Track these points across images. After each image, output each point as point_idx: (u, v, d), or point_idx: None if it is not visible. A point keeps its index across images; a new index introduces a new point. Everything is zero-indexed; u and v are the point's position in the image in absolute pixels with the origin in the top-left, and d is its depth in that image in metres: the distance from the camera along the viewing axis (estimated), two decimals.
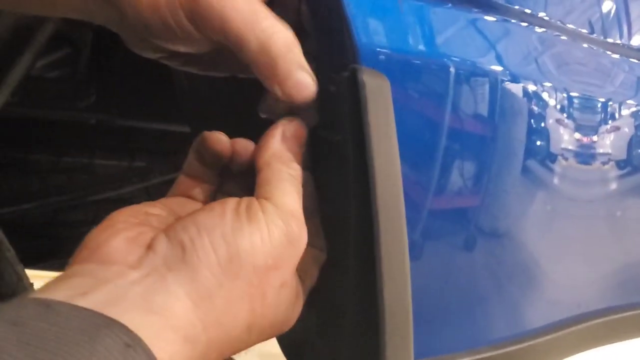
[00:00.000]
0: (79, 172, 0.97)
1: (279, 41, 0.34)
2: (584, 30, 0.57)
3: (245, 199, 0.33)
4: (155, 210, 0.36)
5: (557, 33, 0.54)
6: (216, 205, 0.33)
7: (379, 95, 0.35)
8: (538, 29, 0.51)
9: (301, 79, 0.35)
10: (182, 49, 0.37)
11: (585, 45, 0.57)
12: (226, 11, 0.33)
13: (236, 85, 0.46)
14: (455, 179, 0.44)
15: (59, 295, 0.27)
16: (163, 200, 0.39)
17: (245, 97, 0.45)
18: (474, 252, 0.48)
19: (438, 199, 0.43)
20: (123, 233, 0.32)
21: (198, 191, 0.41)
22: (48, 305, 0.25)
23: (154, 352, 0.27)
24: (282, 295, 0.34)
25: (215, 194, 0.41)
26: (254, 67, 0.35)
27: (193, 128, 0.81)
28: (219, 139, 0.39)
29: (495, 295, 0.51)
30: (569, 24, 0.55)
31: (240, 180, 0.41)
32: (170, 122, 1.02)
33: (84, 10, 0.36)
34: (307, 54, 0.37)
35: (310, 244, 0.36)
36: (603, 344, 0.64)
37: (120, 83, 0.94)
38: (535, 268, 0.54)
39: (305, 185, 0.37)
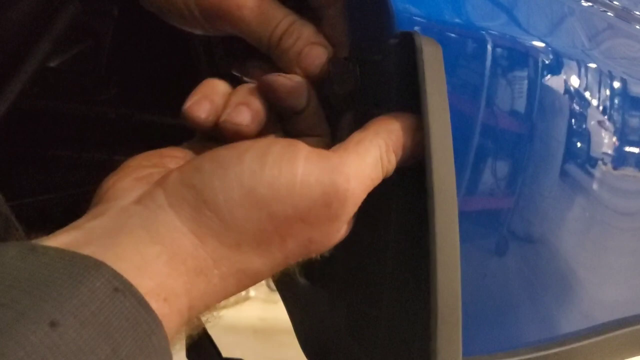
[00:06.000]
0: (98, 168, 0.95)
1: (290, 39, 0.35)
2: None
3: (285, 140, 0.30)
4: (175, 153, 0.34)
5: (604, 9, 0.50)
6: (242, 143, 0.30)
7: (435, 61, 0.32)
8: (584, 3, 0.48)
9: (312, 52, 0.35)
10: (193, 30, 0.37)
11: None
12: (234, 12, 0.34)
13: None
14: (489, 174, 0.40)
15: (52, 240, 0.25)
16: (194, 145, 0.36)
17: None
18: (507, 257, 0.44)
19: (469, 199, 0.40)
20: (132, 174, 0.31)
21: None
22: (33, 248, 0.23)
23: (160, 287, 0.25)
24: (312, 250, 0.30)
25: None
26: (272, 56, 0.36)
27: None
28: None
29: (529, 299, 0.48)
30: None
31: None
32: None
33: None
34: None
35: None
36: None
37: (141, 76, 0.93)
38: (571, 275, 0.50)
39: None
